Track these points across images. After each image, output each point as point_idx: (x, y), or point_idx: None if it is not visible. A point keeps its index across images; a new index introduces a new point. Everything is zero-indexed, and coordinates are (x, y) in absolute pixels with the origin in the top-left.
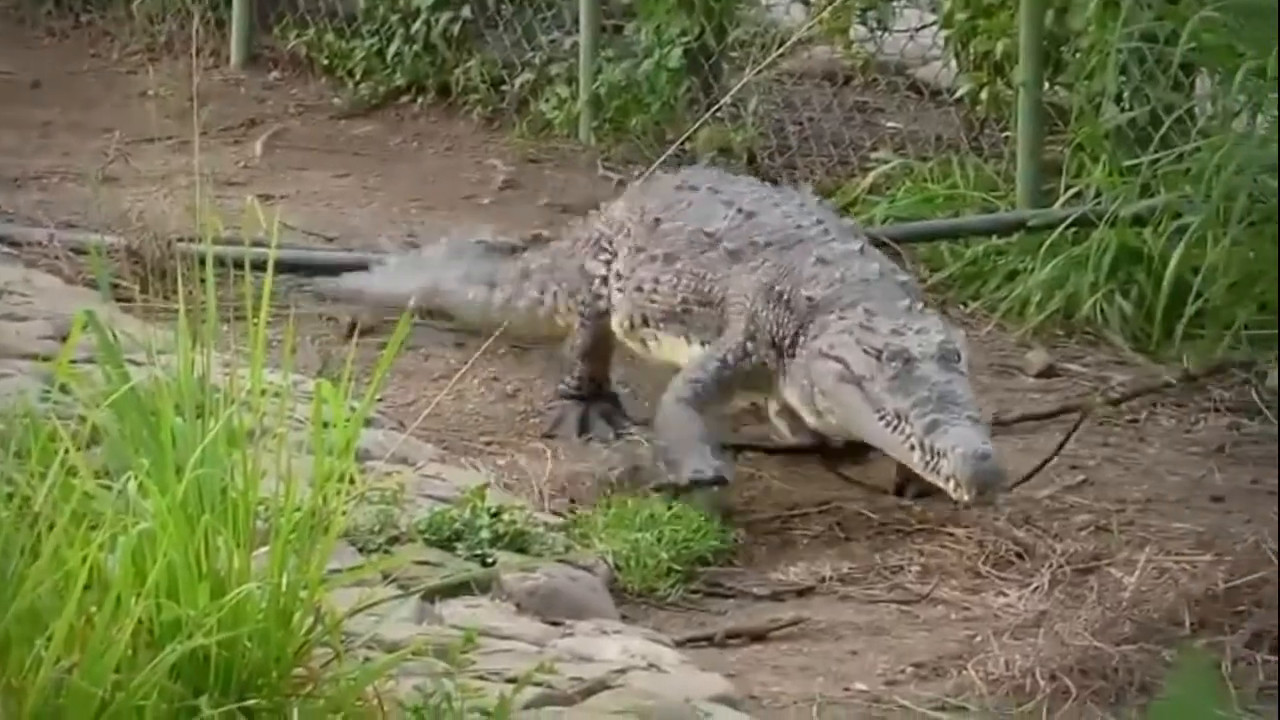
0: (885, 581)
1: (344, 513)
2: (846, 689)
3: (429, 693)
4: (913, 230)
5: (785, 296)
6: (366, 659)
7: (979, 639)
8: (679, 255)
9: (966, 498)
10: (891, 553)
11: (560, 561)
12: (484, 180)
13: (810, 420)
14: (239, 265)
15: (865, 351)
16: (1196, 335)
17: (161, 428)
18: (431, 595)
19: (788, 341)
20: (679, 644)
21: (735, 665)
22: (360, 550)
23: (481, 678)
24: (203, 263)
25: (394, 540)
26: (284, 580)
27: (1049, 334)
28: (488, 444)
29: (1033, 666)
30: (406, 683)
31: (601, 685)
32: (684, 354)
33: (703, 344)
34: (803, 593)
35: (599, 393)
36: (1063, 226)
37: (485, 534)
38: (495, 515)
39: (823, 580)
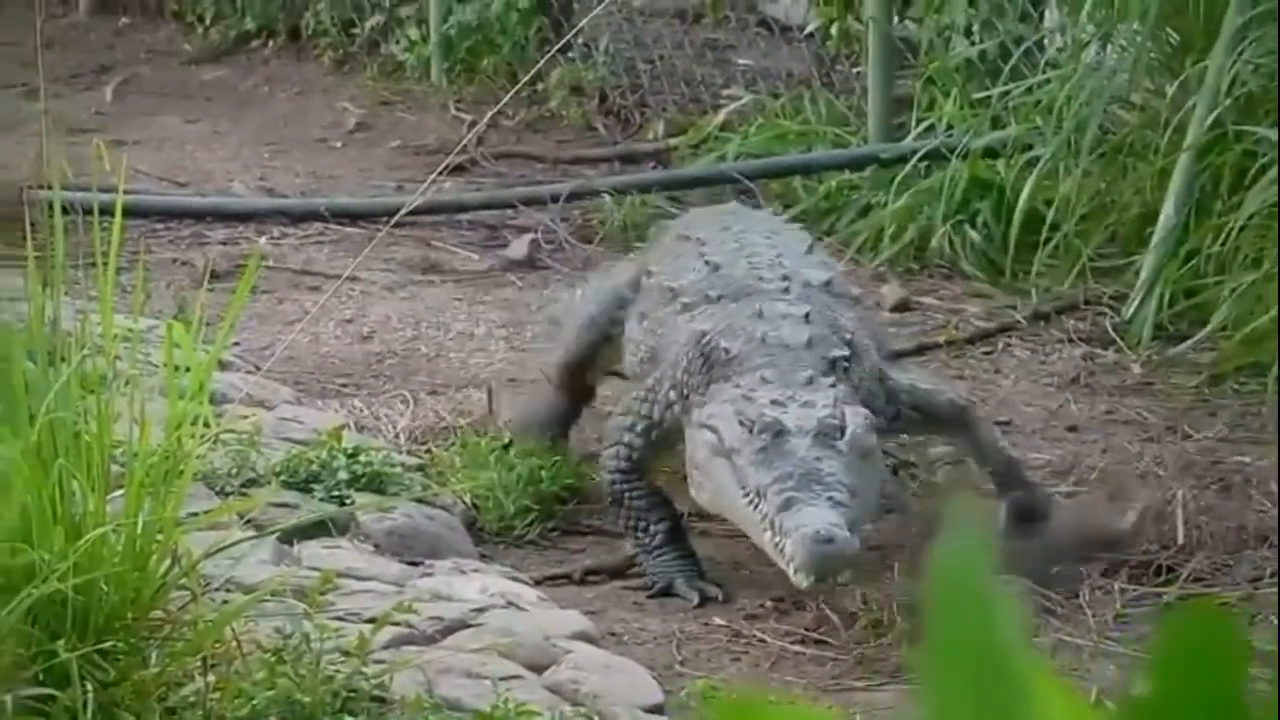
0: None
1: (199, 456)
2: (706, 624)
3: (287, 634)
4: (766, 166)
5: (709, 345)
6: (224, 601)
7: None
8: (649, 312)
9: (803, 583)
10: None
11: (418, 502)
12: (336, 123)
13: (693, 494)
14: (89, 211)
15: (740, 423)
16: (1049, 267)
17: (13, 373)
18: (289, 537)
19: (696, 398)
20: (538, 582)
21: (595, 602)
22: (216, 493)
23: (340, 618)
24: (52, 209)
25: (250, 483)
26: (140, 523)
27: (903, 267)
28: (343, 386)
29: (889, 600)
30: (265, 624)
31: (461, 624)
32: None
33: None
34: None
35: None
36: (914, 160)
37: (342, 475)
38: (352, 456)
39: (682, 517)
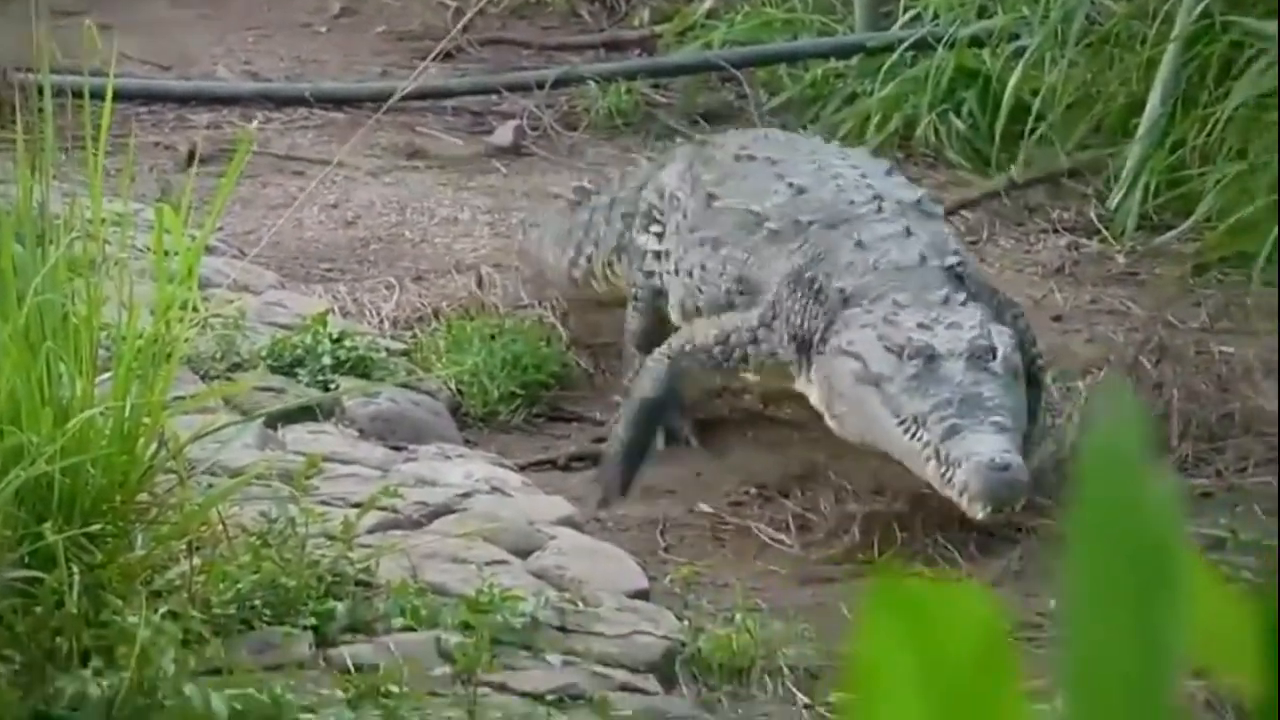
0: (728, 404)
1: (186, 339)
2: (691, 510)
3: (273, 518)
4: (751, 54)
5: (816, 285)
6: (210, 485)
7: (823, 461)
8: (726, 239)
9: (979, 513)
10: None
11: (402, 386)
12: (320, 8)
13: (831, 424)
14: (77, 94)
15: (886, 348)
16: (1035, 156)
17: (2, 256)
18: (274, 421)
19: (816, 337)
20: (522, 468)
21: (579, 489)
22: (202, 377)
23: (325, 503)
24: (40, 92)
25: (236, 367)
26: (127, 407)
27: (888, 156)
28: (328, 271)
29: (878, 489)
30: (250, 508)
31: (446, 509)
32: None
33: None
34: None
35: None
36: (901, 49)
37: (327, 360)
38: (337, 341)
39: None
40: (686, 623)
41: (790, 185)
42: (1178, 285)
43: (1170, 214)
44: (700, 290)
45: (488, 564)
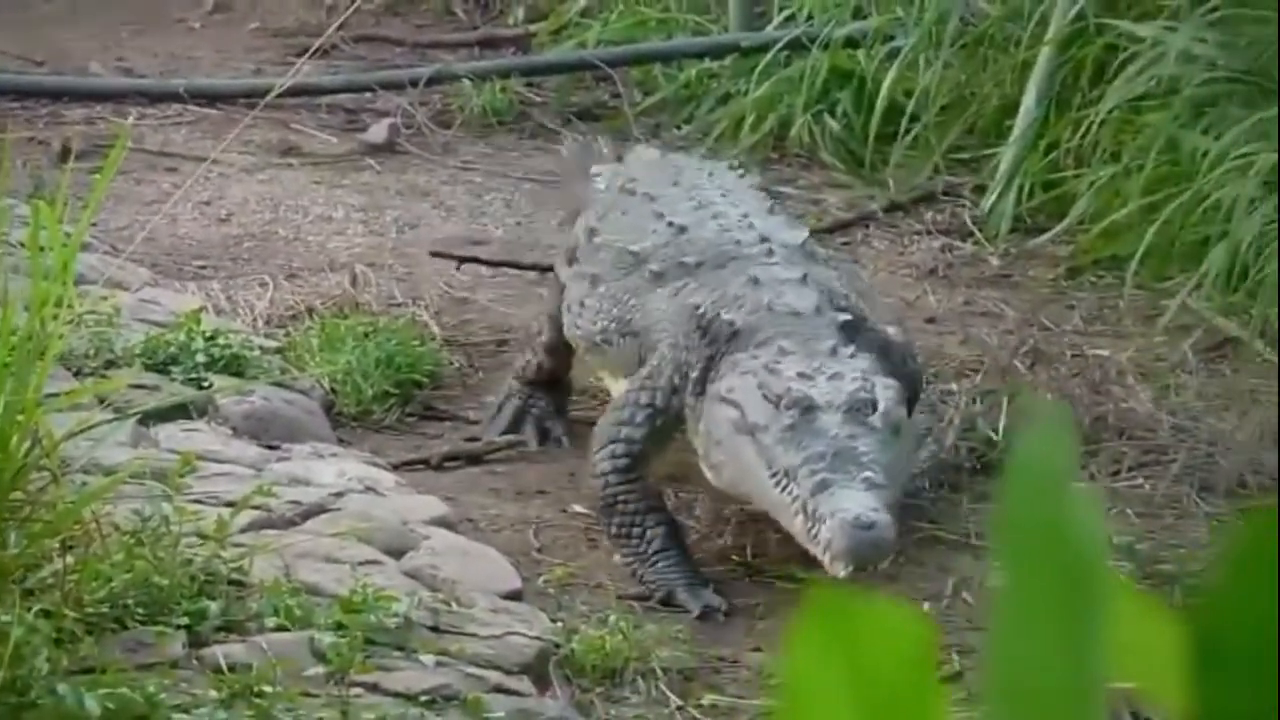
0: (599, 401)
1: (60, 336)
2: (564, 511)
3: (146, 516)
4: (626, 53)
5: (706, 319)
6: (84, 483)
7: (696, 462)
8: (604, 277)
9: (840, 572)
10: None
11: (276, 385)
12: (194, 4)
13: (708, 474)
14: None
15: (764, 397)
16: (909, 159)
17: None
18: (147, 419)
19: (696, 376)
20: (396, 467)
21: (452, 488)
22: (76, 374)
23: (199, 501)
24: None
25: (109, 364)
26: (1, 404)
27: (762, 157)
28: (201, 269)
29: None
30: (124, 507)
31: (319, 508)
32: (615, 390)
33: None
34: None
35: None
36: (776, 49)
37: (200, 358)
38: (210, 339)
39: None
40: (560, 624)
41: (670, 225)
42: (1051, 288)
43: (1044, 216)
44: (577, 326)
45: (361, 564)
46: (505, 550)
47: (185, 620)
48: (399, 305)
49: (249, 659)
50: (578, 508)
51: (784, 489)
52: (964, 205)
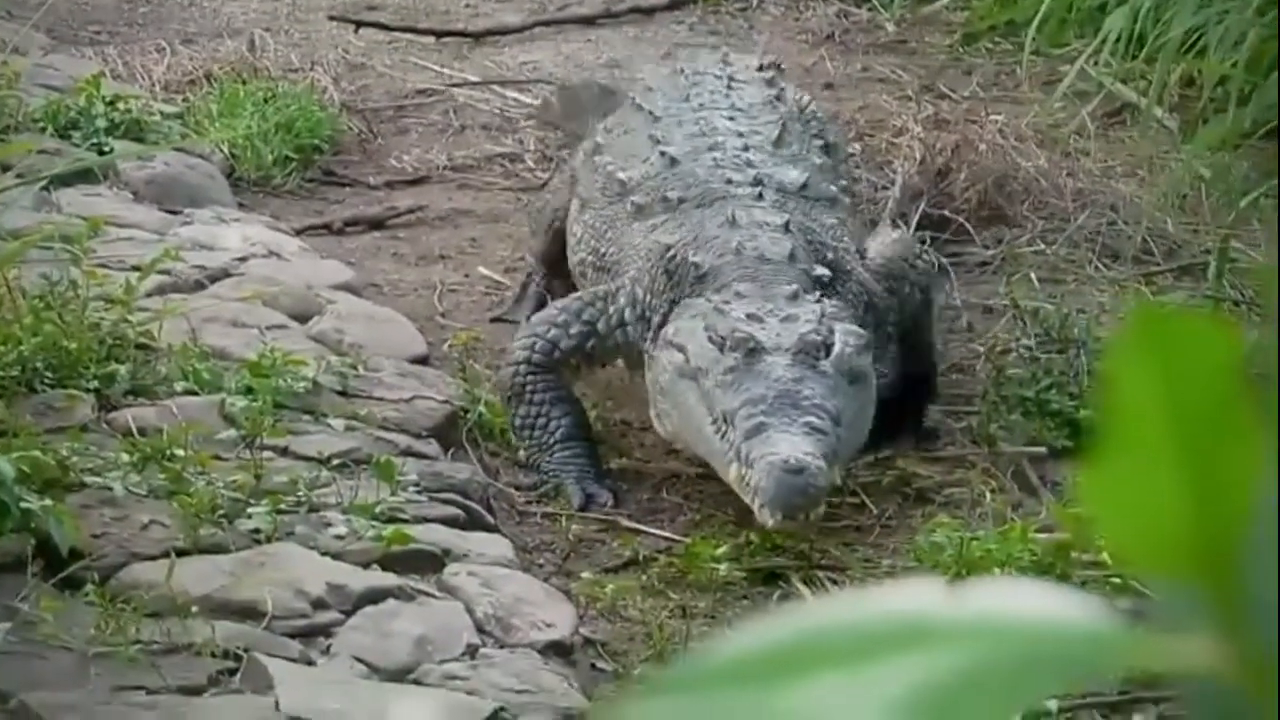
0: (502, 169)
1: None
2: (467, 275)
3: (55, 280)
4: None
5: (674, 260)
6: None
7: None
8: (591, 202)
9: (768, 521)
10: (505, 140)
11: (177, 150)
12: None
13: (655, 424)
14: None
15: (710, 339)
16: None
17: None
18: (50, 184)
19: (658, 322)
20: (298, 232)
21: (355, 253)
22: None
23: (104, 266)
24: None
25: (9, 129)
26: None
27: None
28: (96, 34)
29: None
30: (31, 272)
31: (224, 273)
32: None
33: None
34: (418, 181)
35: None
36: None
37: (101, 123)
38: (110, 104)
39: (438, 169)
40: (463, 388)
41: (663, 155)
42: (948, 54)
43: None
44: (572, 255)
45: (268, 328)
46: (410, 315)
47: (94, 384)
48: (296, 71)
49: (159, 423)
50: (483, 270)
51: (722, 435)
52: None
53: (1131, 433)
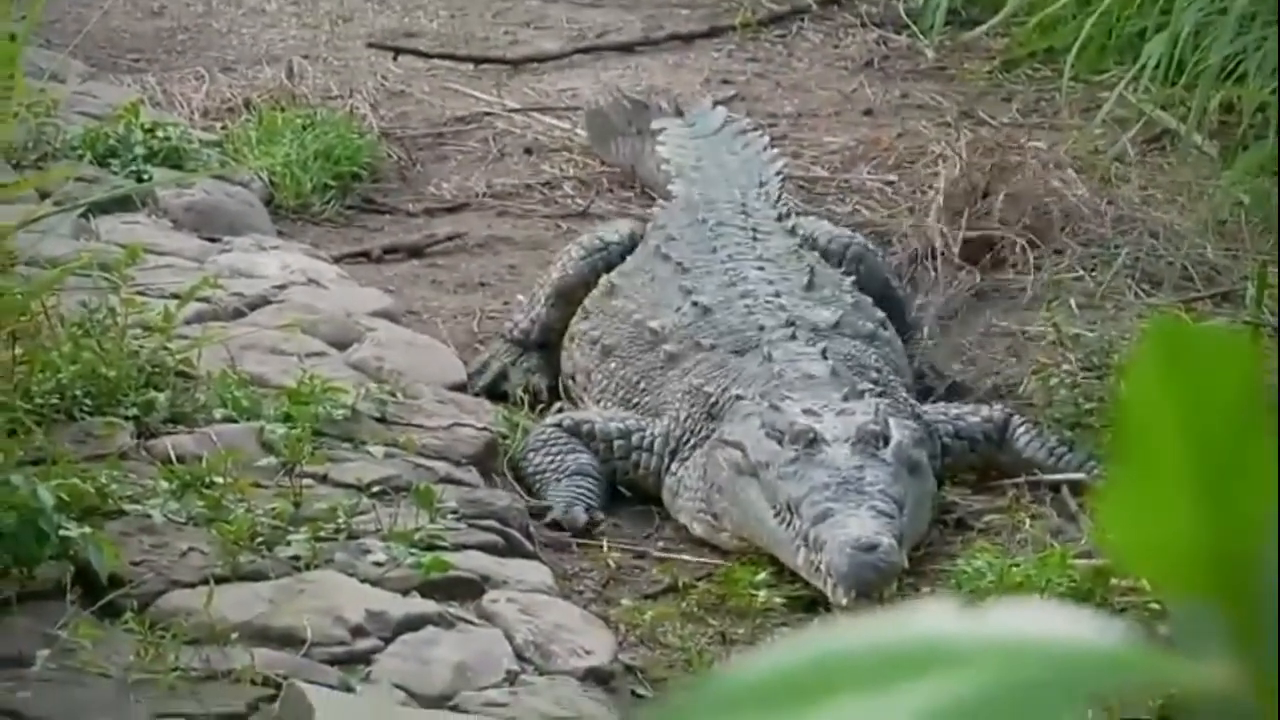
0: (541, 196)
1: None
2: (506, 303)
3: (93, 308)
4: None
5: (712, 399)
6: (27, 276)
7: None
8: (616, 348)
9: (843, 600)
10: (546, 168)
11: (216, 178)
12: None
13: (698, 529)
14: None
15: (768, 434)
16: None
17: None
18: (87, 212)
19: (687, 449)
20: (337, 259)
21: (394, 280)
22: (15, 167)
23: (143, 293)
24: None
25: (46, 157)
26: None
27: None
28: (135, 61)
29: None
30: (70, 299)
31: (263, 300)
32: None
33: None
34: (457, 208)
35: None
36: None
37: (140, 150)
38: (149, 132)
39: (477, 196)
40: (501, 416)
41: (695, 305)
42: (987, 81)
43: (979, 9)
44: (579, 390)
45: (307, 356)
46: (449, 342)
47: (133, 411)
48: (335, 98)
49: (198, 450)
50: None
51: (787, 524)
52: None
53: (1148, 451)
